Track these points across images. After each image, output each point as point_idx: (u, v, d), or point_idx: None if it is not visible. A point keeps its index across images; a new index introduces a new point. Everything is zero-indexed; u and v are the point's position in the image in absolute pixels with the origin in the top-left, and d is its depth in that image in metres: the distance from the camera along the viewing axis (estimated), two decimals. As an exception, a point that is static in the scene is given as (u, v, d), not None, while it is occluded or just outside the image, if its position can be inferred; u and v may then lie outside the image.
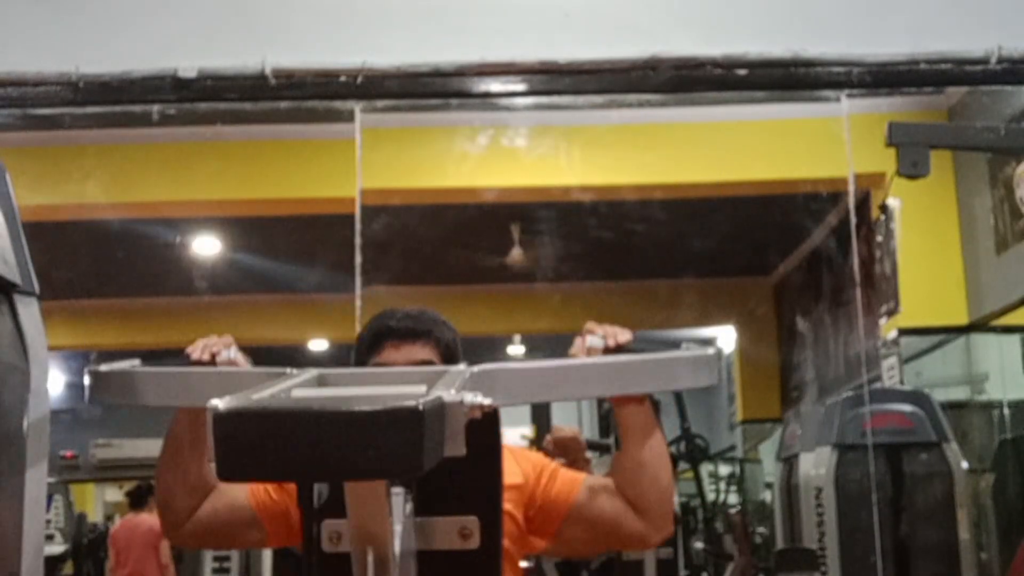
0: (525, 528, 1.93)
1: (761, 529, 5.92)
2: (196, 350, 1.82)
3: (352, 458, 0.82)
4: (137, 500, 7.54)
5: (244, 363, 1.84)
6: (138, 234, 6.29)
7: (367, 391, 1.00)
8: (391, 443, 0.82)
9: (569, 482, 1.94)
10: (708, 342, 9.88)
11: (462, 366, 1.23)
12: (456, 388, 0.97)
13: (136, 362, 1.49)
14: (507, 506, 1.79)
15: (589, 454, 3.77)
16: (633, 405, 1.88)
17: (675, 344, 1.86)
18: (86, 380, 1.43)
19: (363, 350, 1.98)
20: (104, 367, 1.41)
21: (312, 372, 1.16)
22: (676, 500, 6.30)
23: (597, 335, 1.82)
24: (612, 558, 4.74)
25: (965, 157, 5.18)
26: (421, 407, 0.82)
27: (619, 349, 1.81)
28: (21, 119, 3.69)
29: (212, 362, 1.80)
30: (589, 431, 7.76)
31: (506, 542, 1.80)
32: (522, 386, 1.26)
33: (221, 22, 3.59)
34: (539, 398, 1.22)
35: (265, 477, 0.92)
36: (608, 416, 6.92)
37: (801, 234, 7.15)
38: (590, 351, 1.82)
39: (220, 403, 0.86)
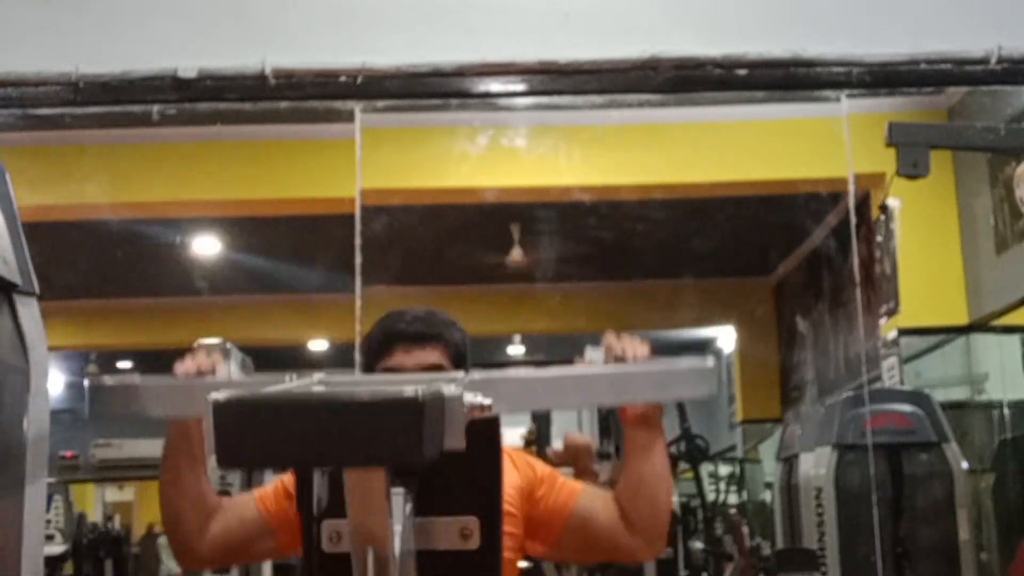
0: (524, 532, 1.93)
1: (758, 541, 5.92)
2: (183, 367, 1.76)
3: (351, 446, 0.83)
4: None
5: (241, 377, 1.84)
6: (138, 234, 6.29)
7: (367, 387, 1.01)
8: (391, 431, 0.83)
9: (569, 491, 1.94)
10: (708, 343, 9.87)
11: (460, 374, 1.23)
12: (456, 386, 0.97)
13: (136, 377, 1.49)
14: (506, 508, 1.79)
15: (596, 466, 3.76)
16: (642, 427, 1.87)
17: (675, 348, 1.85)
18: (87, 394, 1.43)
19: (372, 352, 1.96)
20: (106, 380, 1.41)
21: (315, 377, 1.17)
22: (675, 503, 6.30)
23: (598, 350, 1.77)
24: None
25: (965, 157, 5.18)
26: (420, 397, 0.83)
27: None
28: (21, 119, 3.69)
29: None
30: (589, 432, 7.77)
31: (505, 543, 1.80)
32: (520, 394, 1.27)
33: (221, 22, 3.59)
34: (537, 407, 1.24)
35: (264, 464, 0.93)
36: (608, 418, 6.92)
37: (801, 234, 7.15)
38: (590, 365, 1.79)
39: (219, 394, 0.86)
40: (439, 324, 1.96)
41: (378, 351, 1.94)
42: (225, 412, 0.84)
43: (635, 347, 1.75)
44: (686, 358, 1.38)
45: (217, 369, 1.78)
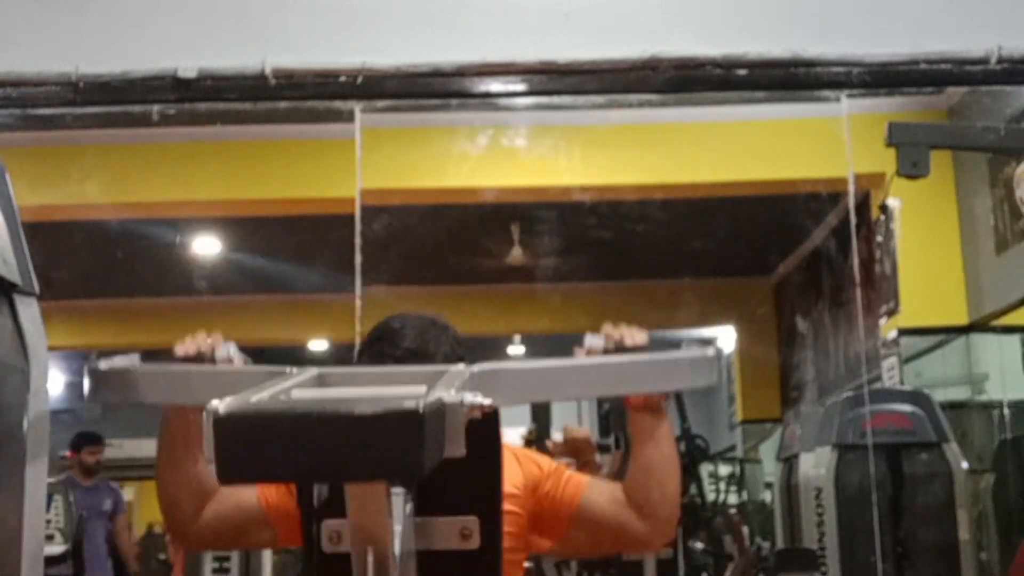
0: (529, 528, 1.92)
1: (758, 541, 5.92)
2: (184, 347, 1.79)
3: (352, 460, 0.83)
4: None
5: (241, 361, 1.83)
6: (138, 234, 6.29)
7: (367, 392, 1.00)
8: (391, 445, 0.82)
9: (575, 485, 1.94)
10: (708, 342, 9.86)
11: (462, 366, 1.22)
12: (456, 388, 0.97)
13: (135, 358, 1.49)
14: (510, 507, 1.79)
15: (598, 457, 3.74)
16: (647, 412, 1.87)
17: (676, 344, 1.85)
18: (86, 379, 1.43)
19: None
20: (104, 365, 1.41)
21: (312, 371, 1.16)
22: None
23: (598, 335, 1.79)
24: (611, 558, 4.74)
25: (965, 157, 5.18)
26: (421, 408, 0.83)
27: (625, 351, 1.78)
28: (21, 119, 3.69)
29: (208, 359, 1.79)
30: (589, 426, 7.77)
31: (507, 543, 1.79)
32: (522, 386, 1.27)
33: (221, 22, 3.59)
34: (539, 398, 1.23)
35: (265, 479, 0.92)
36: (608, 416, 6.92)
37: (801, 234, 7.15)
38: (589, 351, 1.80)
39: (219, 405, 0.86)
40: (431, 354, 1.90)
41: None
42: (224, 427, 0.83)
43: (633, 334, 1.77)
44: (687, 348, 1.38)
45: (217, 351, 1.78)
